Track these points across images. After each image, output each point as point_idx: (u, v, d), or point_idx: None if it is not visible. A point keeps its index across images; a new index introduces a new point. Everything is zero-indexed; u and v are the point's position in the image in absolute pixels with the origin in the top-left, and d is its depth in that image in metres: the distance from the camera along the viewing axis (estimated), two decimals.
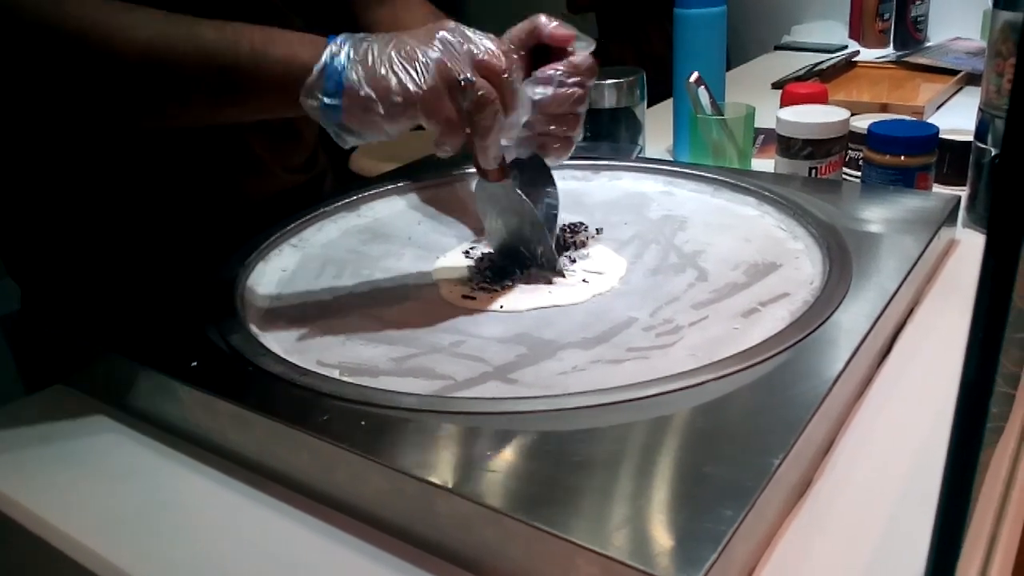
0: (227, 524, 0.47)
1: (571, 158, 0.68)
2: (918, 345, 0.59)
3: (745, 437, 0.44)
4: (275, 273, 0.70)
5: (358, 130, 0.55)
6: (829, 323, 0.53)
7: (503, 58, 0.56)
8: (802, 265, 0.65)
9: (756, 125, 0.89)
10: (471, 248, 0.72)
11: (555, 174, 0.70)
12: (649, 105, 0.98)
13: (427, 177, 0.86)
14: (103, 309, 0.63)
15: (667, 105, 1.02)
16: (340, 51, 0.54)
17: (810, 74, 1.32)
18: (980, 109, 0.77)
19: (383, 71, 0.54)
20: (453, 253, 0.72)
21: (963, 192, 0.79)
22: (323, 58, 0.54)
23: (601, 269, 0.67)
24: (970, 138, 0.80)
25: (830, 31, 1.66)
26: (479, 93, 0.54)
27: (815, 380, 0.47)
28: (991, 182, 0.76)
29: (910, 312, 0.63)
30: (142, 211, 0.74)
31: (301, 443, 0.47)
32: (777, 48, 1.68)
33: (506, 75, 0.56)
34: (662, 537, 0.37)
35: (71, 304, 0.65)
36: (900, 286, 0.58)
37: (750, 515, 0.38)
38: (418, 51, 0.54)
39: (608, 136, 0.94)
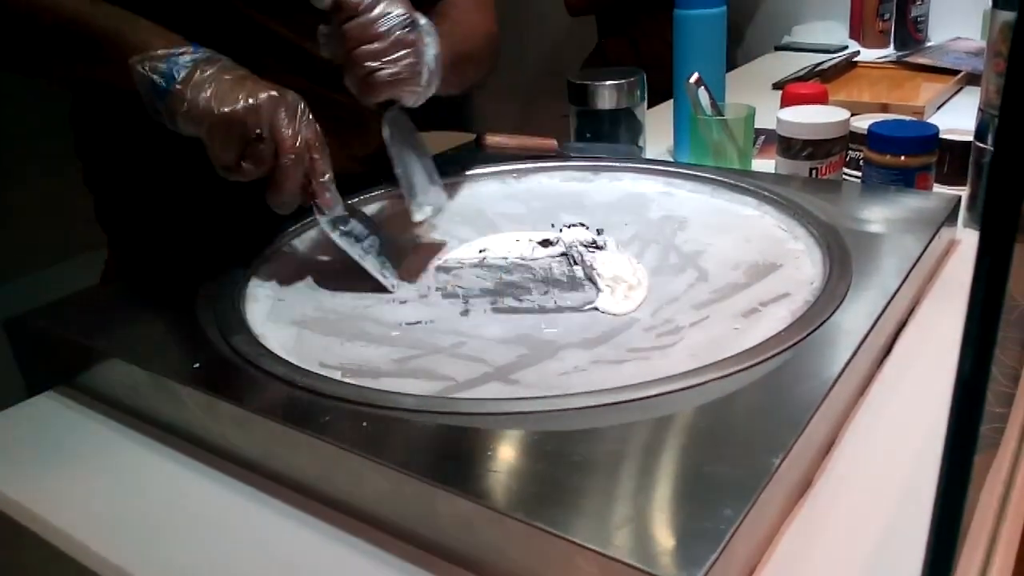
0: (228, 525, 0.48)
1: (571, 158, 0.68)
2: (919, 345, 0.59)
3: (746, 437, 0.44)
4: (277, 274, 0.70)
5: (171, 115, 0.61)
6: (829, 323, 0.53)
7: (316, 142, 0.63)
8: (802, 265, 0.65)
9: (756, 125, 0.90)
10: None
11: (556, 175, 0.70)
12: (649, 106, 0.98)
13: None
14: (105, 310, 0.64)
15: (667, 106, 1.02)
16: (191, 54, 0.61)
17: (810, 74, 1.32)
18: (980, 109, 0.77)
19: (207, 86, 0.60)
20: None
21: (963, 192, 0.79)
22: (174, 49, 0.61)
23: (626, 277, 0.65)
24: (970, 138, 0.80)
25: (830, 31, 1.66)
26: (259, 147, 0.60)
27: (815, 380, 0.48)
28: None
29: (911, 312, 0.63)
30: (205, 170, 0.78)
31: (303, 444, 0.47)
32: (777, 48, 1.68)
33: (288, 157, 0.61)
34: (663, 536, 0.38)
35: (84, 301, 0.65)
36: (900, 286, 0.58)
37: (751, 514, 0.38)
38: (247, 88, 0.60)
39: (608, 137, 0.94)
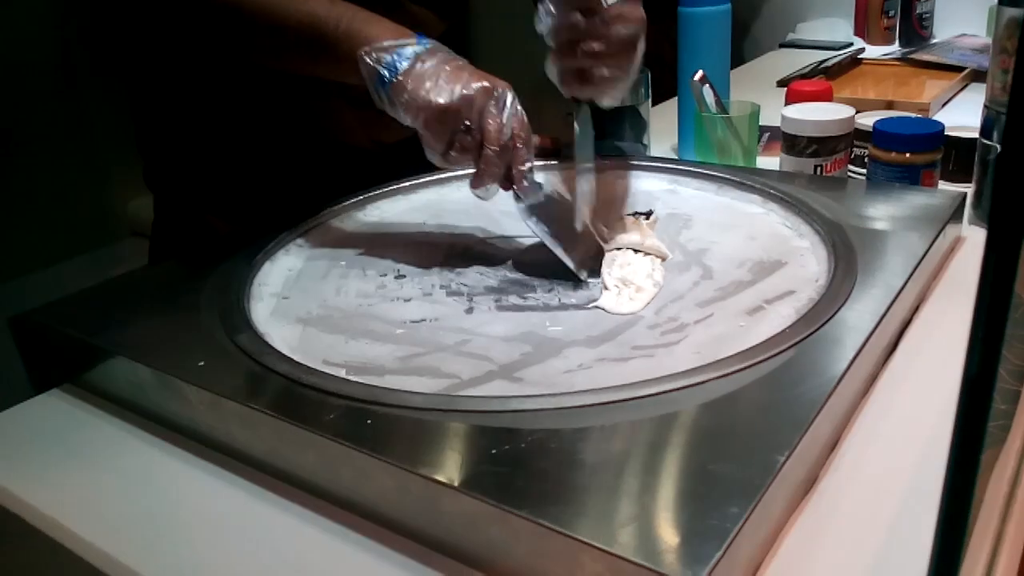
0: (234, 523, 0.48)
1: (575, 157, 0.69)
2: (924, 342, 0.59)
3: (750, 434, 0.44)
4: (282, 272, 0.70)
5: (392, 104, 0.64)
6: (834, 320, 0.53)
7: (521, 131, 0.65)
8: (807, 262, 0.65)
9: (761, 123, 0.89)
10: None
11: (560, 173, 0.70)
12: (653, 104, 0.98)
13: (432, 177, 0.86)
14: (109, 308, 0.64)
15: (672, 103, 1.02)
16: (414, 46, 0.64)
17: (815, 72, 1.32)
18: (985, 106, 0.77)
19: (426, 78, 0.63)
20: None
21: (969, 189, 0.79)
22: (400, 41, 0.64)
23: (636, 279, 0.65)
24: (976, 135, 0.80)
25: (835, 28, 1.66)
26: (467, 138, 0.63)
27: (821, 377, 0.47)
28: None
29: (916, 309, 0.63)
30: (236, 143, 0.84)
31: (308, 442, 0.47)
32: (782, 46, 1.68)
33: (492, 148, 0.64)
34: (668, 534, 0.38)
35: (78, 304, 0.66)
36: (906, 283, 0.58)
37: (756, 512, 0.38)
38: (462, 80, 0.63)
39: (613, 135, 0.94)
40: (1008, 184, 0.18)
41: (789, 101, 0.96)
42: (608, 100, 0.70)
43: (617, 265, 0.66)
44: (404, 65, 0.62)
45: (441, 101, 0.62)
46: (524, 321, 0.60)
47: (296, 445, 0.48)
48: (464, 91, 0.62)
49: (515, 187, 0.66)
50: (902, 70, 1.36)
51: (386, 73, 0.62)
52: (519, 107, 0.65)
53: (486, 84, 0.63)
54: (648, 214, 0.74)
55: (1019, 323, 0.30)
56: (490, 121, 0.63)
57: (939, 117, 0.99)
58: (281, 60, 0.70)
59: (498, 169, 0.64)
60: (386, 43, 0.63)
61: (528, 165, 0.66)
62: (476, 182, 0.65)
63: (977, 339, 0.20)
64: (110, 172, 2.30)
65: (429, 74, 0.63)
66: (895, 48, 1.48)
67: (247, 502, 0.49)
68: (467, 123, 0.63)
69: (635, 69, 0.68)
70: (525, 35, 0.69)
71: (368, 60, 0.63)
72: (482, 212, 0.80)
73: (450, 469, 0.43)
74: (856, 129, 0.85)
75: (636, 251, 0.69)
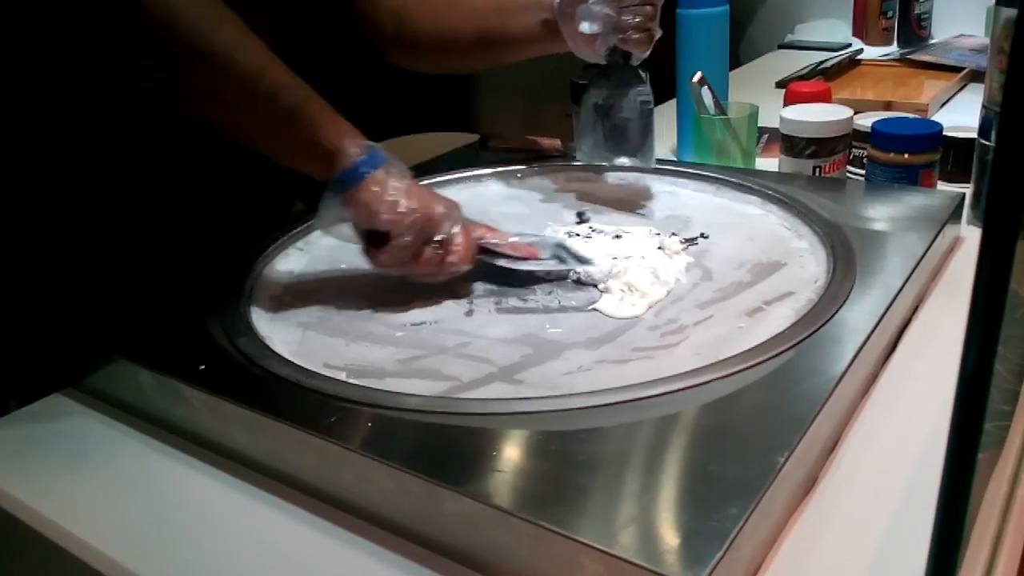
0: (235, 526, 0.48)
1: (575, 158, 0.69)
2: (923, 342, 0.59)
3: (750, 435, 0.44)
4: (282, 276, 0.71)
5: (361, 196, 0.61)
6: (834, 321, 0.53)
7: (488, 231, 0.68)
8: (806, 264, 0.65)
9: (760, 124, 0.90)
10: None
11: (560, 175, 0.70)
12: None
13: (431, 180, 0.86)
14: (111, 312, 0.64)
15: (670, 105, 1.02)
16: (378, 153, 0.63)
17: (814, 73, 1.32)
18: (984, 106, 0.77)
19: (394, 187, 0.62)
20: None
21: (967, 189, 0.79)
22: (363, 151, 0.62)
23: (641, 286, 0.64)
24: (974, 135, 0.80)
25: (834, 29, 1.66)
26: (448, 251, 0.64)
27: (820, 378, 0.48)
28: None
29: (915, 310, 0.63)
30: (154, 206, 0.77)
31: (308, 445, 0.47)
32: (781, 47, 1.68)
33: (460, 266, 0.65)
34: (668, 535, 0.38)
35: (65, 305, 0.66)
36: (905, 284, 0.58)
37: (756, 513, 0.38)
38: (427, 201, 0.63)
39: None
40: (1003, 184, 0.18)
41: (788, 102, 0.97)
42: (640, 51, 0.74)
43: (629, 272, 0.66)
44: (380, 166, 0.62)
45: (438, 209, 0.63)
46: (524, 323, 0.61)
47: (297, 448, 0.48)
48: (440, 208, 0.63)
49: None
50: (900, 71, 1.36)
51: (366, 169, 0.61)
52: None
53: (454, 201, 0.65)
54: (695, 240, 0.72)
55: (1018, 323, 0.30)
56: (457, 238, 0.64)
57: (937, 118, 0.99)
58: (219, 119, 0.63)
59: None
60: (358, 140, 0.62)
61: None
62: (440, 280, 0.65)
63: (973, 338, 0.20)
64: None
65: (401, 183, 0.62)
66: (893, 49, 1.48)
67: (248, 505, 0.49)
68: (439, 238, 0.63)
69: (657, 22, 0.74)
70: None
71: (353, 147, 0.61)
72: (482, 215, 0.80)
73: (450, 471, 0.43)
74: (855, 130, 0.85)
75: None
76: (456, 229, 0.64)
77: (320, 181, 0.63)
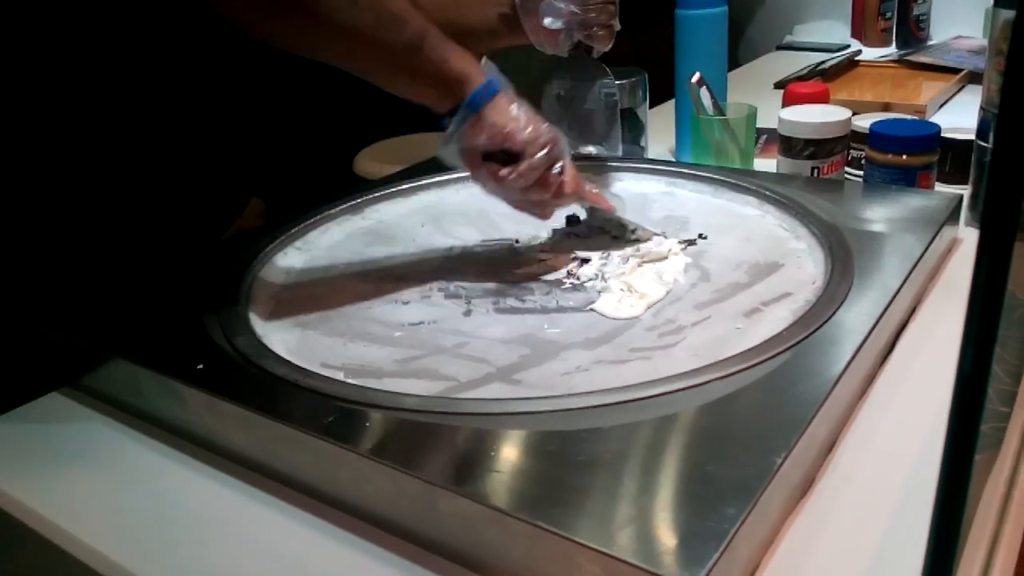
0: (232, 525, 0.48)
1: (572, 159, 0.69)
2: (920, 344, 0.59)
3: (748, 436, 0.44)
4: (280, 275, 0.71)
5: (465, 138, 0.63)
6: (831, 322, 0.53)
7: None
8: (804, 264, 0.65)
9: (758, 125, 0.90)
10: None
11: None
12: (651, 106, 0.98)
13: (431, 179, 0.86)
14: (108, 312, 0.64)
15: (669, 106, 1.02)
16: (500, 76, 0.64)
17: (812, 74, 1.32)
18: (982, 108, 0.77)
19: (525, 108, 0.64)
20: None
21: (965, 191, 0.79)
22: (490, 73, 0.63)
23: (641, 288, 0.65)
24: (972, 137, 0.80)
25: (832, 31, 1.66)
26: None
27: (817, 379, 0.48)
28: None
29: (912, 311, 0.63)
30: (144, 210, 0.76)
31: (306, 444, 0.47)
32: (779, 48, 1.68)
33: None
34: (665, 536, 0.38)
35: (71, 305, 0.66)
36: (902, 285, 0.58)
37: (753, 514, 0.38)
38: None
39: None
40: (1000, 185, 0.18)
41: (786, 103, 0.97)
42: (603, 46, 0.77)
43: (628, 272, 0.66)
44: (504, 88, 0.63)
45: (560, 135, 0.64)
46: (522, 323, 0.61)
47: (294, 447, 0.48)
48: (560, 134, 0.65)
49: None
50: (899, 72, 1.36)
51: (496, 88, 0.62)
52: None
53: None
54: (693, 241, 0.72)
55: (1016, 324, 0.30)
56: (571, 170, 0.66)
57: (936, 119, 0.99)
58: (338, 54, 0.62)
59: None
60: (479, 64, 0.63)
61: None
62: (547, 213, 0.69)
63: (971, 339, 0.20)
64: None
65: (525, 105, 0.64)
66: (892, 50, 1.48)
67: (245, 504, 0.49)
68: (560, 164, 0.65)
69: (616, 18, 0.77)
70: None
71: (479, 71, 0.62)
72: (480, 214, 0.80)
73: (448, 471, 0.43)
74: (853, 131, 0.85)
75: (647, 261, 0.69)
76: (568, 160, 0.66)
77: (298, 172, 0.64)
